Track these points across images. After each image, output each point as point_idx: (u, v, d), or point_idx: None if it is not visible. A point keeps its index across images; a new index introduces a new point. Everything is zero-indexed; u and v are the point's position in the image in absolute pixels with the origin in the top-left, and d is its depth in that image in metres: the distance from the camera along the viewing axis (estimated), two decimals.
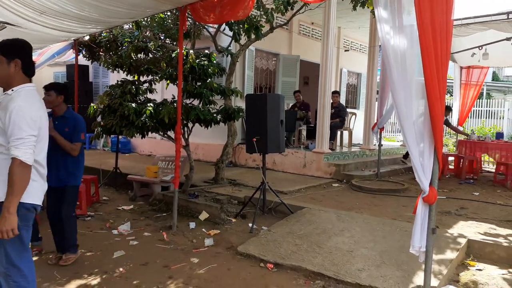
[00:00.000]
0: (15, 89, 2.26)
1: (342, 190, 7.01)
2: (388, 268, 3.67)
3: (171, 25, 7.20)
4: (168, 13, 7.39)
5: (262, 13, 6.23)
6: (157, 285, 3.46)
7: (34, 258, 3.95)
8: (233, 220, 5.41)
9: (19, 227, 2.17)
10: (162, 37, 7.58)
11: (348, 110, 10.45)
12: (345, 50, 12.44)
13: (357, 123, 10.83)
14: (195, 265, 3.92)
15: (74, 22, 5.24)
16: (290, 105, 10.08)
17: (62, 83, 4.03)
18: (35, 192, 2.33)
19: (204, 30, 7.42)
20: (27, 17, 5.13)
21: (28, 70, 2.33)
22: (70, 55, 8.25)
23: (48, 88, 3.83)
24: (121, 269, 3.79)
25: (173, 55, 5.48)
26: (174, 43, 7.52)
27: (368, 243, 4.26)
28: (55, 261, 3.90)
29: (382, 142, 8.26)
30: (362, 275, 3.55)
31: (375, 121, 8.20)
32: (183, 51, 4.88)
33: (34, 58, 8.14)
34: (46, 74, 13.50)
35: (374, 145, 9.54)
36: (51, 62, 8.10)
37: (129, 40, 6.47)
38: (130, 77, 6.13)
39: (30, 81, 2.36)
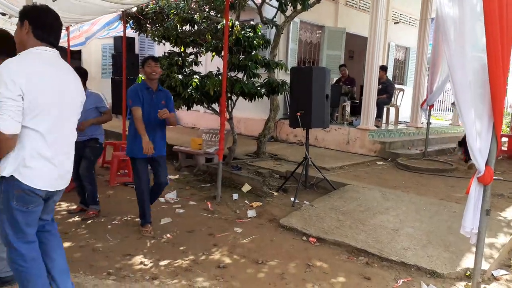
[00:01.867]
0: (22, 52, 2.12)
1: (387, 169, 6.84)
2: (434, 249, 3.57)
3: None
4: None
5: None
6: (202, 252, 3.57)
7: (88, 221, 4.20)
8: (275, 193, 5.45)
9: (12, 207, 2.07)
10: (206, 9, 7.54)
11: (396, 86, 10.07)
12: (395, 23, 11.88)
13: (404, 99, 10.43)
14: (238, 235, 4.00)
15: None
16: (335, 79, 9.84)
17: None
18: (39, 174, 2.08)
19: (249, 1, 7.30)
20: None
21: (41, 34, 2.12)
22: (119, 29, 8.42)
23: (156, 59, 3.94)
24: (168, 235, 3.94)
25: (219, 27, 5.44)
26: (219, 15, 7.47)
27: (414, 223, 4.16)
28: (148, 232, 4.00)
29: (430, 121, 7.93)
30: (408, 254, 3.48)
31: (425, 98, 7.86)
32: (228, 22, 4.84)
33: (84, 28, 8.35)
34: (95, 46, 13.94)
35: (422, 123, 9.19)
36: (101, 33, 8.30)
37: (175, 12, 6.49)
38: (176, 49, 6.18)
39: (49, 46, 2.17)
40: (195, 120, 11.27)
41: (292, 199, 5.05)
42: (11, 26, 8.05)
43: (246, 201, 5.11)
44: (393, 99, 9.55)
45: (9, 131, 1.93)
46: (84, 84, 4.22)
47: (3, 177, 2.06)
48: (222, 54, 5.31)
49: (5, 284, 2.74)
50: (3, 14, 7.70)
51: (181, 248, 3.65)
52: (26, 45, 2.13)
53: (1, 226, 2.15)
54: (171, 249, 3.63)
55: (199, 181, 6.08)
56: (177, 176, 6.34)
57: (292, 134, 8.83)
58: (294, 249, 3.69)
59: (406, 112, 10.55)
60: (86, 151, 4.37)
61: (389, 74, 11.28)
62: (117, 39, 12.01)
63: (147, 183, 4.02)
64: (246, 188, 5.49)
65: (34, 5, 2.22)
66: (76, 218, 4.32)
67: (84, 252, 3.46)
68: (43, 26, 2.13)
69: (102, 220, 4.27)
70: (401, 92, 10.16)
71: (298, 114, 4.98)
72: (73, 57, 12.20)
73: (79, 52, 14.06)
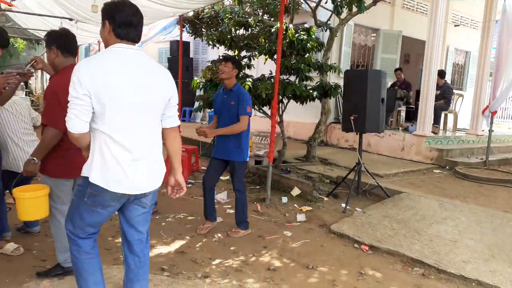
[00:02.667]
0: (99, 52, 2.13)
1: (444, 177, 6.53)
2: (498, 263, 3.35)
3: (270, 1, 7.18)
4: None
5: None
6: (253, 253, 3.58)
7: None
8: (325, 198, 5.37)
9: (82, 203, 2.08)
10: (260, 13, 7.62)
11: (454, 91, 9.59)
12: (455, 25, 11.33)
13: (463, 105, 9.91)
14: (288, 238, 3.98)
15: None
16: (390, 83, 9.55)
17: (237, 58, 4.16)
18: (110, 176, 2.00)
19: (303, 4, 7.28)
20: None
21: (120, 32, 2.04)
22: (175, 33, 8.74)
23: (227, 59, 3.97)
24: (219, 234, 4.00)
25: (273, 30, 5.46)
26: (272, 18, 7.52)
27: (475, 235, 3.93)
28: (202, 231, 4.02)
29: (492, 128, 7.47)
30: (468, 267, 3.29)
31: (487, 104, 7.42)
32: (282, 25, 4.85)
33: (142, 33, 8.73)
34: (151, 50, 14.51)
35: (483, 130, 8.67)
36: (158, 38, 8.63)
37: (229, 16, 6.61)
38: (230, 52, 6.29)
39: (129, 43, 2.08)
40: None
41: (343, 205, 4.94)
42: (77, 30, 8.59)
43: (295, 205, 5.08)
44: (451, 104, 9.10)
45: (75, 130, 1.92)
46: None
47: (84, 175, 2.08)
48: (275, 57, 5.33)
49: (67, 273, 2.91)
50: (70, 19, 8.24)
51: (232, 248, 3.68)
52: (109, 44, 2.07)
53: (68, 215, 2.22)
54: (222, 248, 3.68)
55: (248, 183, 6.12)
56: (227, 177, 6.42)
57: (343, 138, 8.67)
58: (346, 256, 3.61)
59: (465, 118, 10.01)
60: None
61: (447, 79, 10.77)
62: (173, 43, 12.47)
63: (208, 181, 4.04)
64: (295, 192, 5.45)
65: (112, 2, 2.09)
66: None
67: None
68: (121, 24, 2.02)
69: (157, 217, 4.42)
70: (460, 98, 9.66)
71: (352, 118, 4.87)
72: None
73: None
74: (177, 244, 3.72)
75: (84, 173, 2.05)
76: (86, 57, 2.17)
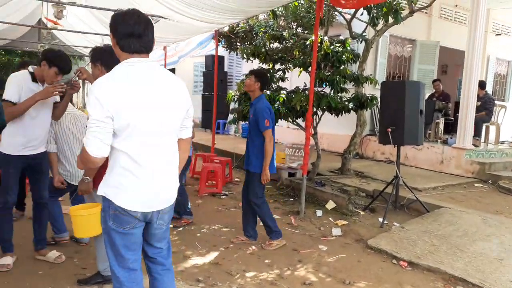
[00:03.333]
0: (113, 69, 1.94)
1: (486, 192, 6.24)
2: None
3: (304, 14, 7.22)
4: (302, 1, 7.43)
5: None
6: (287, 267, 3.54)
7: (179, 229, 4.41)
8: (361, 212, 5.25)
9: (108, 228, 1.97)
10: (293, 26, 7.66)
11: (496, 102, 9.20)
12: (496, 35, 10.95)
13: (506, 117, 9.48)
14: (323, 253, 3.91)
15: (217, 13, 5.63)
16: (427, 95, 9.30)
17: (263, 71, 4.19)
18: (130, 194, 1.92)
19: (337, 17, 7.26)
20: (177, 10, 5.71)
21: (125, 44, 1.90)
22: (210, 48, 8.93)
23: (250, 72, 4.08)
24: (253, 247, 3.98)
25: (307, 42, 5.48)
26: (306, 31, 7.54)
27: None
28: (235, 240, 4.10)
29: None
30: None
31: None
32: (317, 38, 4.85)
33: (179, 48, 8.94)
34: (187, 64, 14.85)
35: None
36: (194, 53, 8.85)
37: (264, 30, 6.68)
38: (264, 66, 6.35)
39: (140, 56, 1.94)
40: (278, 135, 11.35)
41: (380, 219, 4.82)
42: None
43: (330, 218, 5.00)
44: (493, 116, 8.73)
45: (95, 154, 1.81)
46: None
47: (103, 196, 1.99)
48: (310, 69, 5.33)
49: (106, 282, 2.98)
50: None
51: (266, 261, 3.66)
52: (121, 59, 1.94)
53: (105, 249, 2.09)
54: (257, 261, 3.66)
55: (282, 195, 6.10)
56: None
57: (379, 151, 8.48)
58: (384, 272, 3.50)
59: (508, 131, 9.57)
60: None
61: (488, 90, 10.37)
62: (208, 58, 12.73)
63: (243, 193, 4.15)
64: (330, 205, 5.37)
65: (116, 13, 1.95)
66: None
67: (176, 259, 3.62)
68: (122, 35, 1.89)
69: (192, 228, 4.46)
70: (503, 109, 9.26)
71: (389, 130, 4.77)
72: None
73: (173, 70, 15.11)
74: (212, 255, 3.73)
75: (101, 192, 1.97)
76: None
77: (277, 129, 10.81)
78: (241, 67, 12.90)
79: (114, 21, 1.91)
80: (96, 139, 1.79)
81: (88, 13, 7.63)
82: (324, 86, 5.51)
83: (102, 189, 1.96)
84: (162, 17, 6.22)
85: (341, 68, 5.29)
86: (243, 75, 6.75)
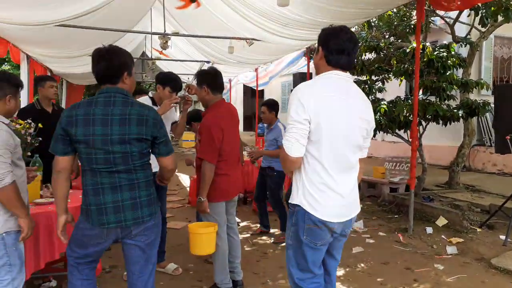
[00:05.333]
0: (314, 78, 2.06)
1: None
2: None
3: (398, 22, 6.97)
4: (394, 10, 7.18)
5: None
6: (402, 285, 3.34)
7: (282, 244, 4.42)
8: (478, 229, 4.79)
9: (302, 242, 1.98)
10: (387, 35, 7.41)
11: None
12: None
13: None
14: (440, 272, 3.63)
15: (311, 29, 5.66)
16: None
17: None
18: (325, 205, 1.95)
19: (436, 22, 6.89)
20: (272, 30, 5.85)
21: (332, 59, 1.98)
22: (299, 65, 8.98)
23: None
24: (362, 264, 3.84)
25: (407, 50, 5.24)
26: (399, 40, 7.25)
27: None
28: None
29: None
30: None
31: None
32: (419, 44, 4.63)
33: (269, 69, 9.08)
34: (275, 83, 15.16)
35: None
36: (283, 72, 8.98)
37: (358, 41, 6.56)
38: (361, 77, 6.22)
39: (340, 70, 2.01)
40: (372, 149, 10.95)
41: (502, 237, 4.36)
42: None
43: (442, 235, 4.64)
44: None
45: (294, 154, 1.89)
46: (275, 115, 4.59)
47: (294, 208, 2.00)
48: (409, 77, 5.10)
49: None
50: (207, 62, 9.12)
51: (379, 279, 3.49)
52: (320, 70, 2.04)
53: (287, 265, 2.08)
54: (368, 279, 3.51)
55: (385, 212, 5.82)
56: (360, 206, 6.20)
57: (489, 162, 7.73)
58: None
59: None
60: (268, 180, 4.61)
61: None
62: (295, 76, 12.86)
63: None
64: (441, 221, 4.99)
65: (327, 28, 2.05)
66: (268, 241, 4.62)
67: (285, 274, 3.64)
68: (333, 50, 1.98)
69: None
70: None
71: (508, 137, 4.33)
72: (254, 95, 13.52)
73: (261, 91, 15.54)
74: None
75: (296, 201, 1.97)
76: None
77: (371, 142, 10.50)
78: None
79: (326, 35, 2.01)
80: (296, 141, 1.88)
81: (186, 42, 8.23)
82: (428, 94, 5.19)
83: (297, 199, 1.98)
84: (257, 40, 6.43)
85: (448, 74, 4.95)
86: None
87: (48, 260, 2.60)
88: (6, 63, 15.09)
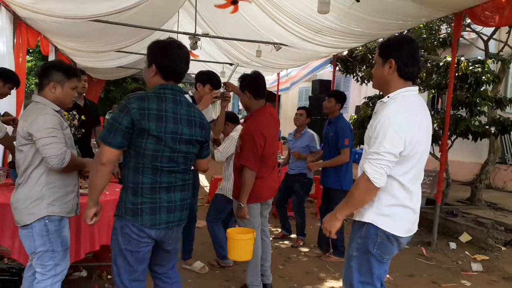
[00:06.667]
0: (391, 95, 1.92)
1: None
2: None
3: (427, 35, 6.93)
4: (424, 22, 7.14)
5: None
6: None
7: (305, 250, 4.41)
8: (503, 248, 4.73)
9: (368, 255, 1.94)
10: None
11: None
12: None
13: None
14: None
15: (342, 37, 5.66)
16: None
17: (342, 92, 4.29)
18: (399, 222, 1.93)
19: (465, 36, 6.85)
20: (303, 36, 5.85)
21: (407, 73, 1.91)
22: (318, 72, 8.99)
23: (330, 95, 4.20)
24: (388, 276, 3.80)
25: (441, 63, 5.21)
26: (426, 53, 7.21)
27: None
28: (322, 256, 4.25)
29: None
30: None
31: None
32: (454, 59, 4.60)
33: (292, 74, 9.07)
34: (292, 90, 15.15)
35: None
36: (308, 77, 8.99)
37: None
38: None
39: (412, 84, 1.96)
40: None
41: None
42: (234, 74, 9.48)
43: (466, 252, 4.59)
44: None
45: (381, 185, 1.84)
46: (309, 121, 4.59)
47: (365, 223, 1.96)
48: (442, 91, 5.07)
49: None
50: (231, 64, 9.15)
51: None
52: (390, 84, 1.94)
53: (348, 278, 2.04)
54: None
55: None
56: None
57: (511, 181, 7.63)
58: None
59: None
60: (296, 185, 4.61)
61: None
62: (314, 82, 12.81)
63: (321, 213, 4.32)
64: (465, 238, 4.93)
65: (396, 37, 1.99)
66: (290, 245, 4.63)
67: (311, 279, 3.64)
68: (409, 63, 1.89)
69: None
70: None
71: None
72: (269, 100, 13.48)
73: (279, 96, 15.49)
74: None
75: (369, 219, 1.94)
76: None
77: None
78: (348, 90, 12.75)
79: (401, 43, 1.92)
80: (385, 173, 1.82)
81: (210, 43, 8.27)
82: (459, 108, 5.15)
83: (371, 217, 1.94)
84: (285, 45, 6.44)
85: (482, 90, 4.91)
86: (364, 97, 6.65)
87: (88, 251, 2.62)
88: (28, 55, 15.32)
